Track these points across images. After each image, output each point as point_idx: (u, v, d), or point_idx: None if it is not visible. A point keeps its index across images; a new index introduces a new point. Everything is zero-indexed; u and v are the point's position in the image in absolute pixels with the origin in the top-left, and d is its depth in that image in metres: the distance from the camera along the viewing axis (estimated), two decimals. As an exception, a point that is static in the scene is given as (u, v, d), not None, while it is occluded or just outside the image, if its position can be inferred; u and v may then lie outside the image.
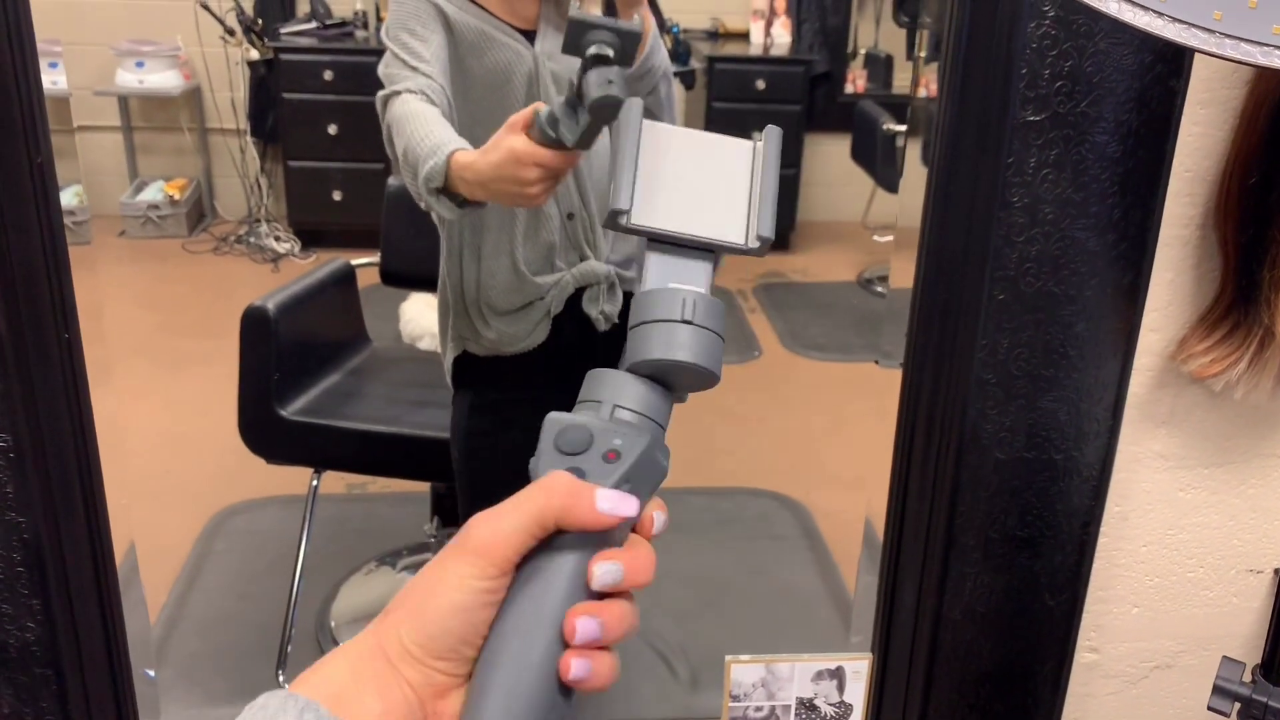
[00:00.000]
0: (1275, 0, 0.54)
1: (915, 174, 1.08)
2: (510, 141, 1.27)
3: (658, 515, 0.50)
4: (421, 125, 1.38)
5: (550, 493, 0.47)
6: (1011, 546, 1.09)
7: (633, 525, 0.49)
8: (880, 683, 1.18)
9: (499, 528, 0.47)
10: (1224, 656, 0.75)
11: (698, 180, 0.51)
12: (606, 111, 1.19)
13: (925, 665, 1.13)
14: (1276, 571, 1.16)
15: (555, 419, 0.50)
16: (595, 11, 1.31)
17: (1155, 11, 0.57)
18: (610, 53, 1.20)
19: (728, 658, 1.14)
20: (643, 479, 0.49)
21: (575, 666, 0.46)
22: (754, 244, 0.51)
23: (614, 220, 0.50)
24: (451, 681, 0.47)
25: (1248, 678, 0.76)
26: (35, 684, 1.02)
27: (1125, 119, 0.94)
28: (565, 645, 0.46)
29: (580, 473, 0.48)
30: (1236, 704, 0.75)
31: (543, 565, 0.48)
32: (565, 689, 0.47)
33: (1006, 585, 1.10)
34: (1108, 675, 1.22)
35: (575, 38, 1.21)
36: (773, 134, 0.52)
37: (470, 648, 0.47)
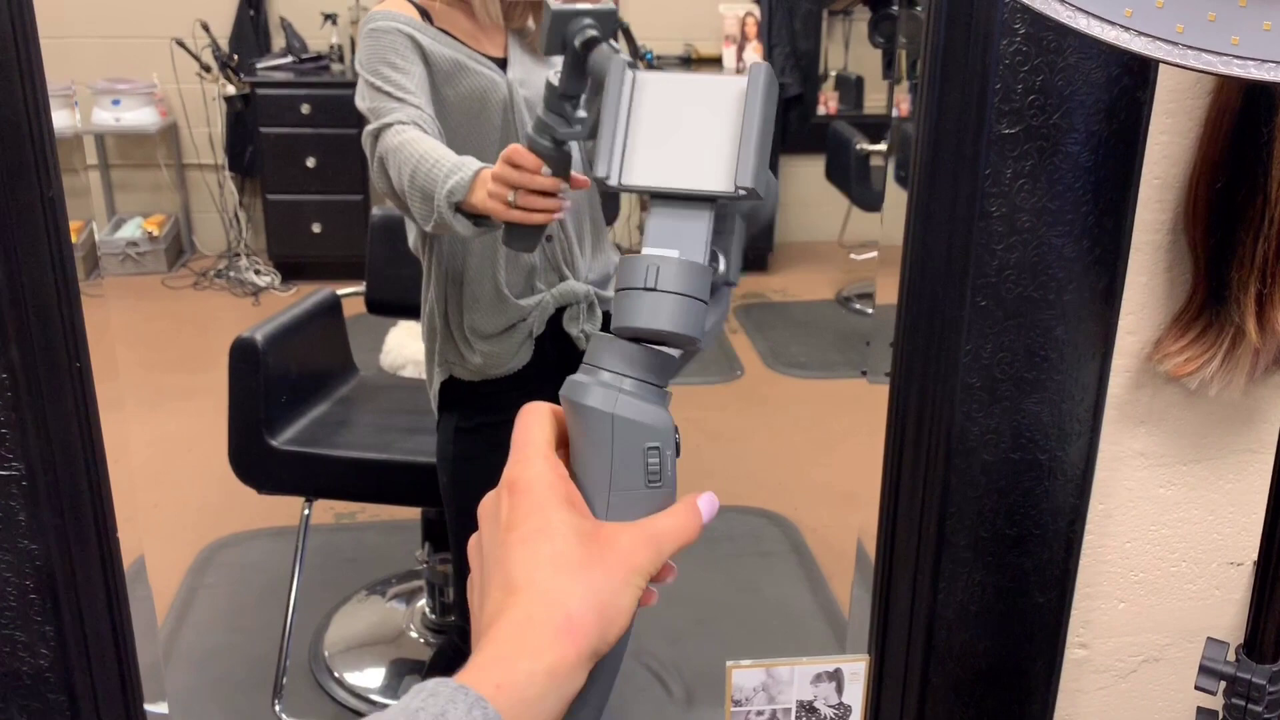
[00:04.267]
0: (1232, 13, 0.58)
1: (896, 192, 1.11)
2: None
3: None
4: (433, 148, 1.40)
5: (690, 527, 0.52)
6: (1001, 545, 1.12)
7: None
8: (878, 683, 1.21)
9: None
10: (1209, 638, 0.78)
11: (685, 129, 0.50)
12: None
13: (921, 665, 1.16)
14: (1255, 563, 1.19)
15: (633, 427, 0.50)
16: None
17: (1121, 26, 0.61)
18: (598, 34, 1.23)
19: (729, 663, 1.17)
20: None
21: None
22: (739, 192, 0.49)
23: (602, 184, 0.50)
24: None
25: (1232, 657, 0.79)
26: (49, 710, 1.03)
27: (1096, 129, 0.98)
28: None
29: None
30: (1222, 682, 0.78)
31: None
32: None
33: (997, 584, 1.13)
34: (1097, 670, 1.25)
35: (559, 29, 1.24)
36: (759, 70, 0.50)
37: None
